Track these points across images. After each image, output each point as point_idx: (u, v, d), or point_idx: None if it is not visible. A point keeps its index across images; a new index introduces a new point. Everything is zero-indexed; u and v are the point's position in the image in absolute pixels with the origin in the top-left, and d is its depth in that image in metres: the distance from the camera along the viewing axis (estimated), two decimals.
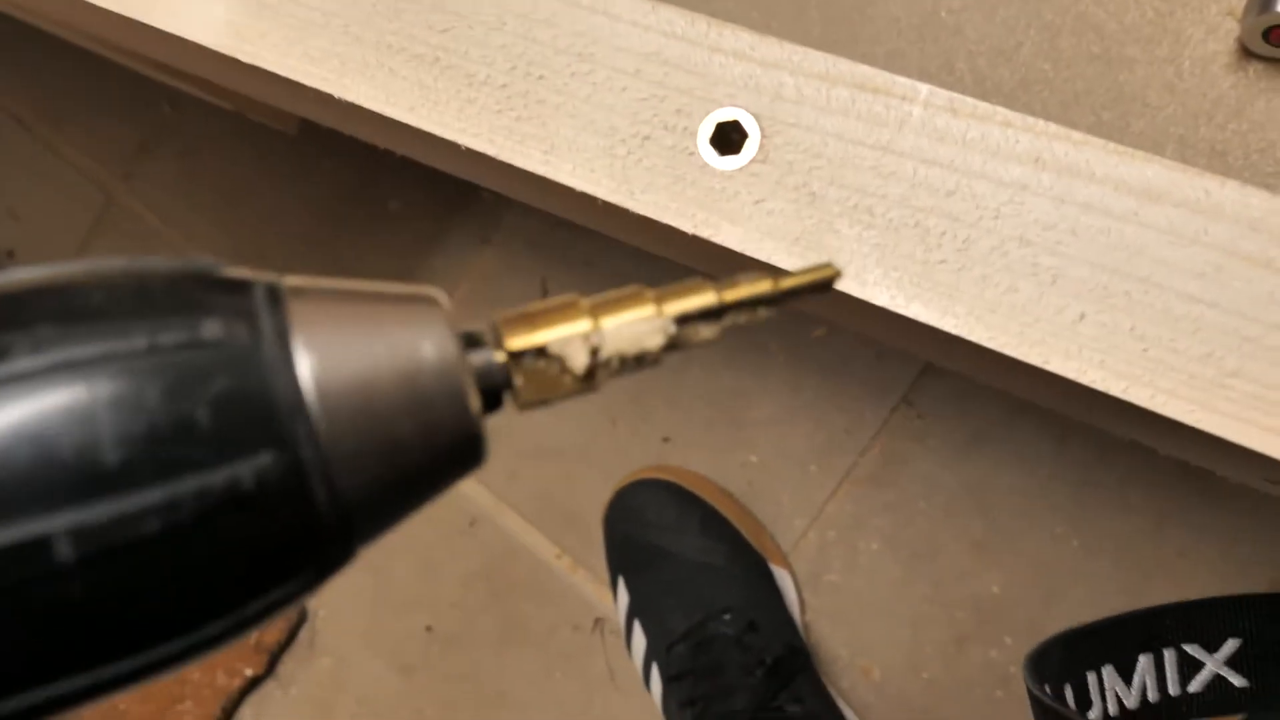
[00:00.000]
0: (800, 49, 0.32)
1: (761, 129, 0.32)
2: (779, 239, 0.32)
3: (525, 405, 0.21)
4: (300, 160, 1.07)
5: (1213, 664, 0.40)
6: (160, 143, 1.13)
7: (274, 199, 1.09)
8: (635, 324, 0.21)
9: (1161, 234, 0.29)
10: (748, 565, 0.85)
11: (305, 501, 0.18)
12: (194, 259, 0.20)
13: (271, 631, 1.03)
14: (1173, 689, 0.40)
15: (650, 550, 0.87)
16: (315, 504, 0.18)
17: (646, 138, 0.33)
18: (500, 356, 0.21)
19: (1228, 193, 0.28)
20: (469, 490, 1.00)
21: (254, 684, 1.04)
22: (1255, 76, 0.43)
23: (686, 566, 0.85)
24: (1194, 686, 0.40)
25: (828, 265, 0.22)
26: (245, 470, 0.18)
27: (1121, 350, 0.29)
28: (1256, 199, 0.28)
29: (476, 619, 0.99)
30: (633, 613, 0.87)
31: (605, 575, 0.92)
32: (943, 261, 0.30)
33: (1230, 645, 0.40)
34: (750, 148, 0.32)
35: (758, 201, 0.32)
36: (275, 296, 0.19)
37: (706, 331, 0.22)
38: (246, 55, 0.38)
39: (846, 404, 0.89)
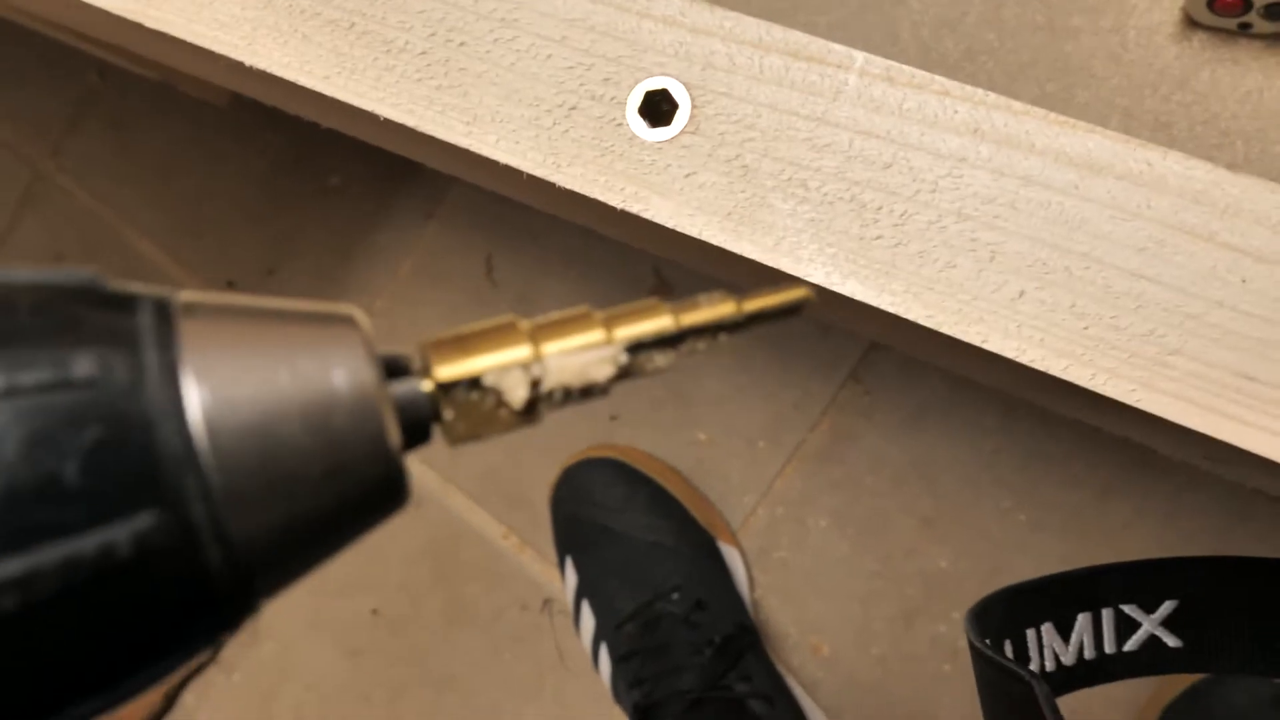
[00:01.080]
0: (733, 15, 0.31)
1: (692, 99, 0.31)
2: (710, 213, 0.30)
3: (456, 441, 0.19)
4: (237, 133, 1.04)
5: (1149, 624, 0.40)
6: (89, 116, 1.09)
7: (210, 173, 1.05)
8: (582, 352, 0.19)
9: (1103, 208, 0.28)
10: (696, 543, 0.85)
11: (195, 566, 0.16)
12: (72, 270, 0.17)
13: None
14: (1109, 648, 0.40)
15: (598, 530, 0.86)
16: (207, 568, 0.16)
17: (573, 108, 0.32)
18: (427, 387, 0.18)
19: (1170, 164, 0.27)
20: (414, 470, 0.98)
21: (196, 670, 1.02)
22: (1200, 47, 0.43)
23: (634, 546, 0.84)
24: (1129, 646, 0.40)
25: (799, 286, 0.20)
26: (121, 534, 0.15)
27: (1061, 328, 0.28)
28: (1199, 171, 0.27)
29: (423, 601, 0.97)
30: (581, 593, 0.86)
31: (553, 555, 0.91)
32: (879, 237, 0.29)
33: (1167, 606, 0.40)
34: (681, 118, 0.31)
35: (689, 174, 0.31)
36: (164, 318, 0.17)
37: (661, 359, 0.20)
38: (152, 20, 0.36)
39: (795, 380, 0.88)
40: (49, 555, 0.15)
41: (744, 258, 0.30)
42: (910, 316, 0.29)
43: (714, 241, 0.30)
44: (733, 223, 0.30)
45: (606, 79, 0.32)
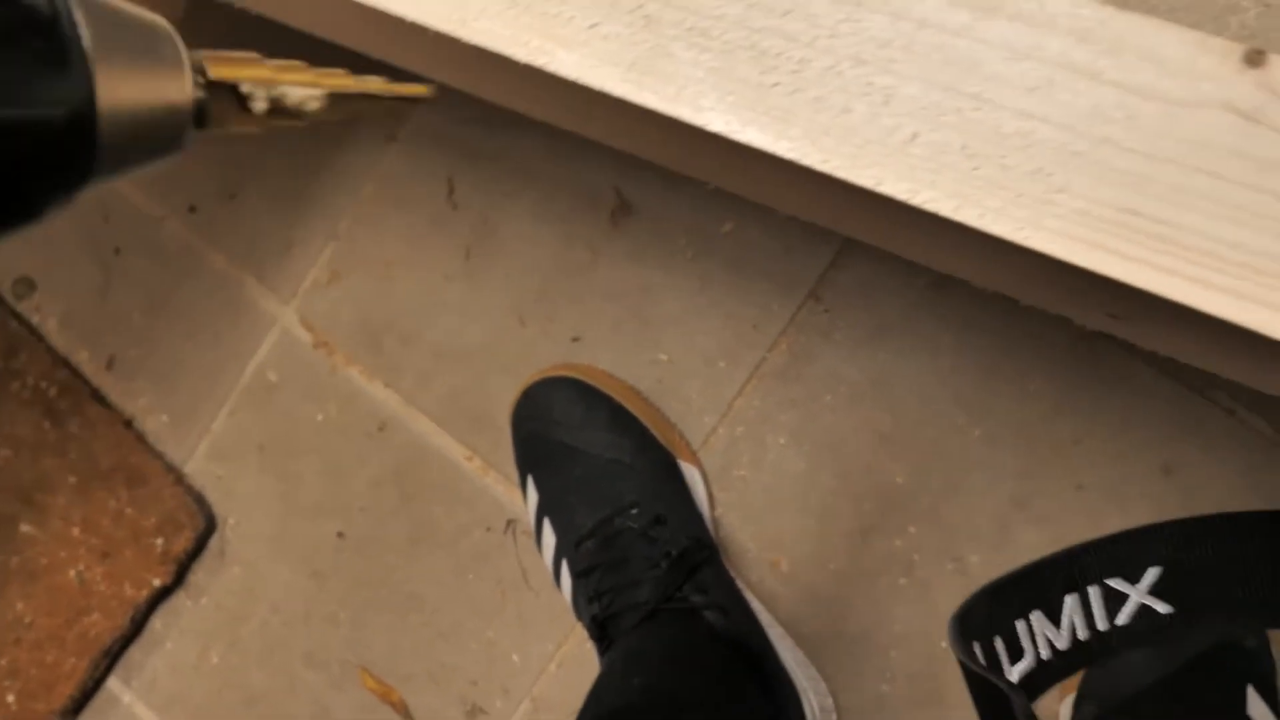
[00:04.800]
0: None
1: None
2: (614, 65, 0.30)
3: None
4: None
5: (1136, 595, 0.40)
6: None
7: None
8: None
9: (995, 49, 0.28)
10: (655, 461, 0.85)
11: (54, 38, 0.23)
12: None
13: (178, 540, 1.01)
14: (1101, 624, 0.40)
15: (558, 448, 0.86)
16: (65, 46, 0.23)
17: None
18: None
19: (1060, 4, 0.27)
20: (377, 394, 0.98)
21: (163, 594, 1.03)
22: None
23: (594, 463, 0.85)
24: (1121, 619, 0.40)
25: (422, 85, 0.30)
26: None
27: (953, 169, 0.28)
28: (1087, 9, 0.27)
29: (388, 523, 0.98)
30: (542, 511, 0.87)
31: (516, 477, 0.91)
32: (777, 84, 0.29)
33: (1151, 574, 0.40)
34: None
35: (592, 25, 0.31)
36: None
37: (314, 104, 0.36)
38: None
39: (754, 299, 0.89)
40: None
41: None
42: (807, 162, 0.29)
43: (616, 94, 0.30)
44: (635, 74, 0.30)
45: None
